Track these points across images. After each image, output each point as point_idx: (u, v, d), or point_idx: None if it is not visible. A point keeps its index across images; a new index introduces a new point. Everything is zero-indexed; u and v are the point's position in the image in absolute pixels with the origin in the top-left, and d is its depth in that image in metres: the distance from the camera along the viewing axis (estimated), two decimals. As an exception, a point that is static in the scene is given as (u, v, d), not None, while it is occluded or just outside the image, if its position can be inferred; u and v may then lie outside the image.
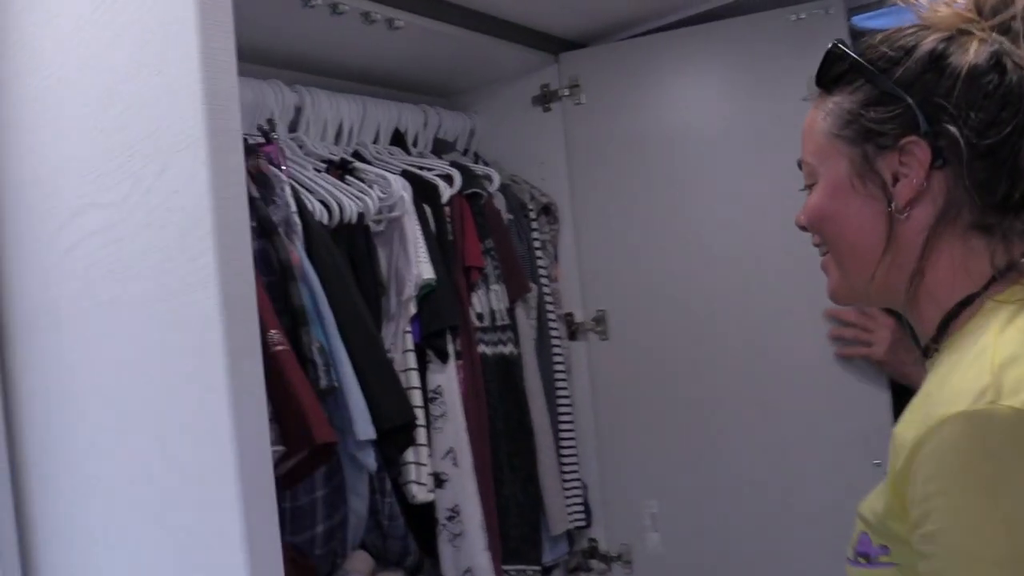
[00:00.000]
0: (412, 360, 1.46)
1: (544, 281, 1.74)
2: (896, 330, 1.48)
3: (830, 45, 0.85)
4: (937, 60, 0.78)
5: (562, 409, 1.73)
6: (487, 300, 1.59)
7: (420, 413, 1.44)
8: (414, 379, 1.45)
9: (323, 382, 1.18)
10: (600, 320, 1.78)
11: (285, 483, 1.20)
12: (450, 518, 1.47)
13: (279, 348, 1.12)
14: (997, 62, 0.76)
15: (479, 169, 1.69)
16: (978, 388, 0.67)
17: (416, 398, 1.44)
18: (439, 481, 1.47)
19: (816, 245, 0.91)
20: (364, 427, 1.29)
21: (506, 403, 1.60)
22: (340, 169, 1.49)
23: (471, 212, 1.59)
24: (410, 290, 1.45)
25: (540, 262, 1.74)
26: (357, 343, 1.33)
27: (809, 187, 0.89)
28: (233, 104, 0.77)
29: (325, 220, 1.39)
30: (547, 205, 1.80)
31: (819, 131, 0.85)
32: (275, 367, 1.12)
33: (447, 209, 1.55)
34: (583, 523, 1.73)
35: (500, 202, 1.69)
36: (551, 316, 1.74)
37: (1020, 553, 0.64)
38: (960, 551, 0.66)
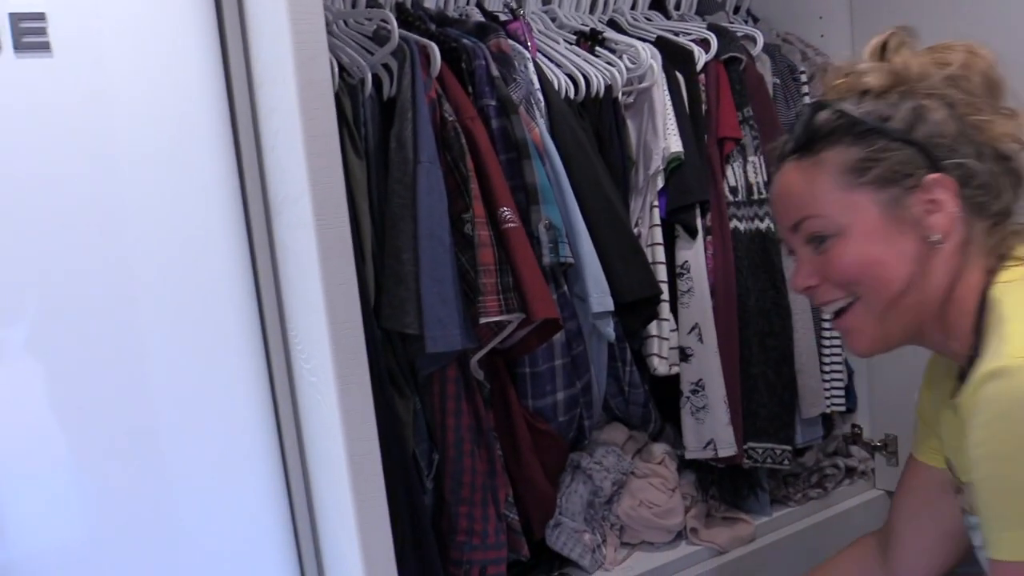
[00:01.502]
0: (658, 235, 1.45)
1: (813, 152, 1.61)
2: None
3: (815, 109, 0.91)
4: (920, 111, 0.87)
5: (827, 289, 1.62)
6: (743, 172, 1.52)
7: (665, 288, 1.45)
8: (660, 254, 1.45)
9: (546, 259, 1.22)
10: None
11: (519, 351, 1.28)
12: (694, 391, 1.49)
13: (509, 226, 1.18)
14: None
15: (740, 30, 1.58)
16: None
17: (661, 273, 1.45)
18: (684, 355, 1.48)
19: (827, 303, 0.93)
20: (600, 299, 1.32)
21: (760, 281, 1.54)
22: (590, 40, 1.48)
23: (728, 79, 1.50)
24: (657, 163, 1.42)
25: (809, 131, 1.60)
26: (598, 218, 1.35)
27: (815, 242, 0.91)
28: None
29: (571, 94, 1.40)
30: (823, 66, 1.63)
31: (828, 185, 0.89)
32: (506, 244, 1.18)
33: (701, 77, 1.48)
34: (842, 408, 1.65)
35: (765, 65, 1.57)
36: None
37: None
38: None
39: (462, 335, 1.16)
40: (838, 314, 0.93)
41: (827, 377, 1.62)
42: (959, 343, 0.89)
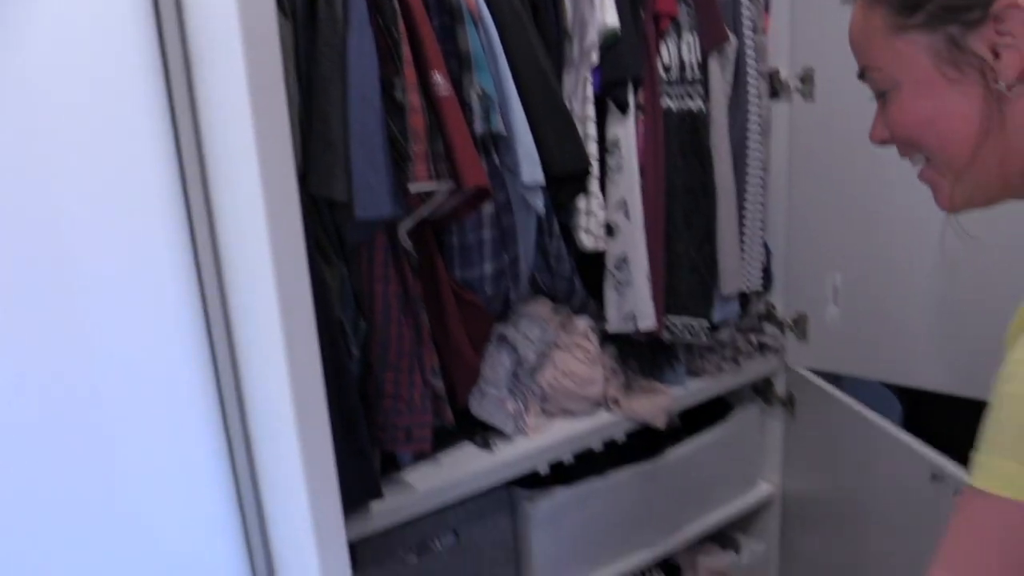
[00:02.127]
0: (591, 110, 1.45)
1: (748, 33, 1.60)
2: None
3: None
4: None
5: (751, 171, 1.66)
6: (677, 51, 1.51)
7: (595, 164, 1.46)
8: (591, 129, 1.45)
9: (478, 128, 1.21)
10: (807, 78, 1.64)
11: (448, 220, 1.29)
12: (618, 267, 1.52)
13: (441, 94, 1.16)
14: None
15: (684, -99, 1.54)
16: None
17: (592, 148, 1.45)
18: (610, 231, 1.51)
19: (906, 156, 0.82)
20: (531, 171, 1.33)
21: (688, 160, 1.56)
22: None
23: (667, -48, 1.47)
24: (592, 37, 1.41)
25: (746, 12, 1.59)
26: (531, 89, 1.34)
27: (881, 96, 0.79)
28: None
29: (508, -40, 1.35)
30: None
31: (878, 30, 0.75)
32: (438, 111, 1.17)
33: (641, -52, 1.45)
34: (760, 287, 1.72)
35: (705, -60, 1.55)
36: (751, 71, 1.62)
37: None
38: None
39: (392, 202, 1.15)
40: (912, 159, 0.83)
41: (746, 257, 1.67)
42: None
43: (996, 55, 0.70)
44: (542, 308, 1.56)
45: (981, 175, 0.76)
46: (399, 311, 1.24)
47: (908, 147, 0.80)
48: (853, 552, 1.71)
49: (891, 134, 0.80)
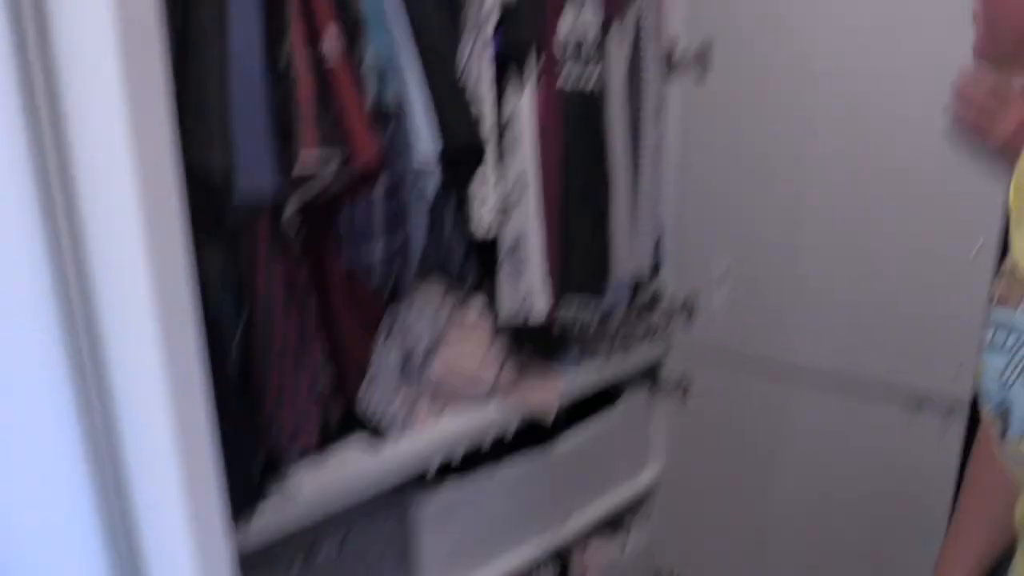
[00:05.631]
0: (487, 81, 1.36)
1: (645, 10, 1.56)
2: None
3: None
4: None
5: (645, 151, 1.62)
6: (576, 24, 1.45)
7: (492, 141, 1.38)
8: (489, 101, 1.37)
9: (371, 100, 1.11)
10: (703, 55, 1.62)
11: (338, 200, 1.17)
12: (513, 248, 1.45)
13: (332, 63, 1.04)
14: None
15: None
16: None
17: (489, 121, 1.37)
18: (506, 211, 1.44)
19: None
20: (426, 147, 1.23)
21: (584, 139, 1.50)
22: None
23: (569, -84, 1.40)
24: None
25: (644, -17, 1.55)
26: (429, 57, 1.24)
27: None
28: None
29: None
30: None
31: None
32: (328, 80, 1.05)
33: (544, -90, 1.37)
34: (651, 270, 1.70)
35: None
36: (647, 49, 1.58)
37: None
38: None
39: (276, 180, 1.03)
40: None
41: (639, 238, 1.64)
42: None
43: None
44: (434, 293, 1.47)
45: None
46: (284, 301, 1.12)
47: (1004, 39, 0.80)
48: (750, 531, 1.73)
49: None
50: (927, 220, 1.43)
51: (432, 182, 1.29)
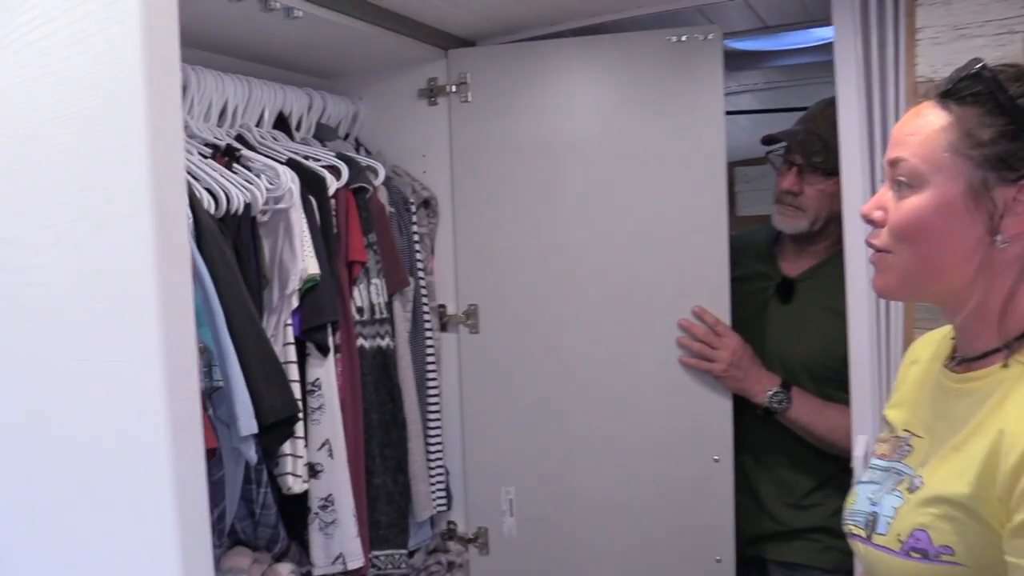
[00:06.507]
0: (292, 353, 1.46)
1: (421, 274, 1.77)
2: (737, 350, 1.65)
3: (979, 65, 0.86)
4: None
5: (431, 399, 1.78)
6: (367, 294, 1.61)
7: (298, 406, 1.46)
8: (293, 372, 1.46)
9: (201, 384, 1.17)
10: (471, 313, 1.85)
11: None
12: (323, 507, 1.50)
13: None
14: None
15: (364, 161, 1.69)
16: None
17: (295, 391, 1.45)
18: (314, 471, 1.50)
19: (873, 244, 0.93)
20: (247, 422, 1.29)
21: (381, 395, 1.63)
22: (226, 156, 1.46)
23: (356, 205, 1.59)
24: (294, 284, 1.44)
25: (418, 255, 1.77)
26: (245, 339, 1.32)
27: (900, 187, 0.89)
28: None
29: (212, 210, 1.36)
30: (427, 199, 1.82)
31: (938, 142, 0.86)
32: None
33: (333, 202, 1.55)
34: (445, 507, 1.81)
35: (383, 195, 1.71)
36: (426, 308, 1.78)
37: None
38: None
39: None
40: (878, 248, 0.93)
41: (433, 480, 1.76)
42: (988, 339, 0.89)
43: (1003, 212, 0.84)
44: (242, 559, 1.46)
45: (932, 289, 0.91)
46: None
47: (896, 238, 0.90)
48: None
49: (891, 221, 0.90)
50: (665, 442, 1.72)
51: (251, 453, 1.33)
